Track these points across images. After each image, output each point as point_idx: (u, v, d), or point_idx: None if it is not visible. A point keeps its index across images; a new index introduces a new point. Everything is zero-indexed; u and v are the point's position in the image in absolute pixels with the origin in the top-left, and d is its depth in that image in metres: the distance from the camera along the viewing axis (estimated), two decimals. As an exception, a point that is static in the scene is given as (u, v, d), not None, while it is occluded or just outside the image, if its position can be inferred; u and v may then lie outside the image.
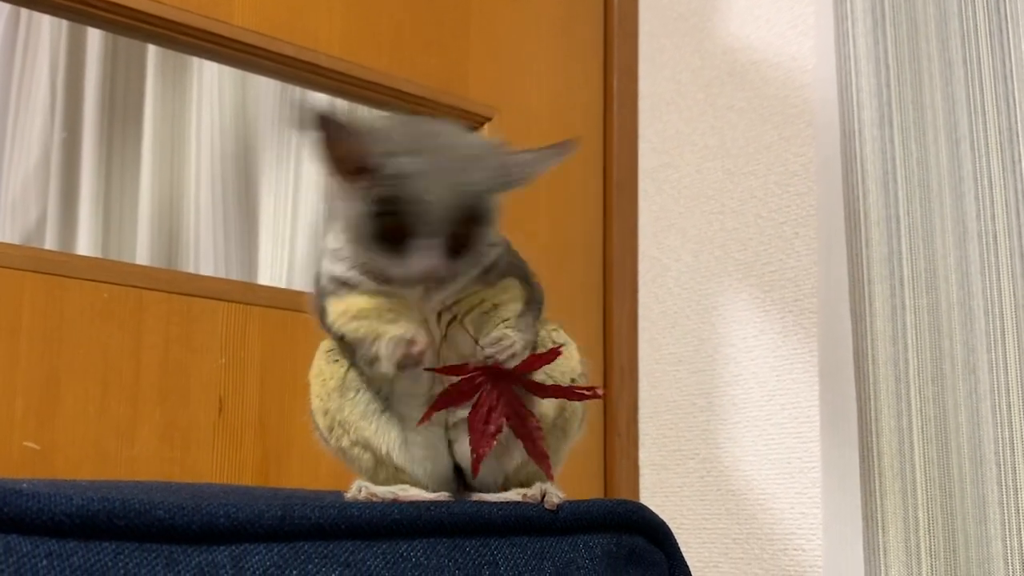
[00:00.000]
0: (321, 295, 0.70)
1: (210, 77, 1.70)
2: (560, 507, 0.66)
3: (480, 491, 0.71)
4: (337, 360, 0.70)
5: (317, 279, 0.71)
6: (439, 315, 0.68)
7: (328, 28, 1.29)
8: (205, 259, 1.64)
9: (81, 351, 1.05)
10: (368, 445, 0.69)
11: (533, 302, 0.71)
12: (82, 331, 1.06)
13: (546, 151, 0.68)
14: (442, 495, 0.69)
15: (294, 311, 1.20)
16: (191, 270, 1.64)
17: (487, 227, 0.66)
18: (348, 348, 0.69)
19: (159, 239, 1.66)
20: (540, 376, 0.69)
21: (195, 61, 1.62)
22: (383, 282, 0.67)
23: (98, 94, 1.70)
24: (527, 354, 0.68)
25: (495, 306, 0.69)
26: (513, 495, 0.68)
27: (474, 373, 0.67)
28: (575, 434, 0.74)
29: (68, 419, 1.04)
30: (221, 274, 1.63)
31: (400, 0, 1.36)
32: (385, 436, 0.69)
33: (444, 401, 0.67)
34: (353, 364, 0.70)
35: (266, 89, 1.69)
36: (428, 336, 0.66)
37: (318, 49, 1.27)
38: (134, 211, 1.68)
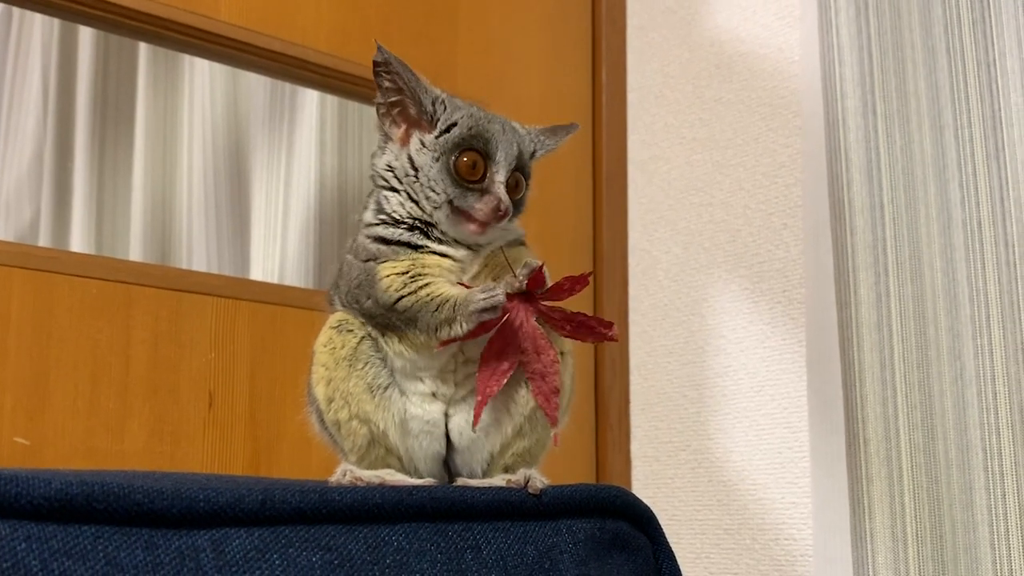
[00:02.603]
0: (366, 263, 0.71)
1: (202, 74, 1.70)
2: (543, 492, 0.66)
3: (465, 477, 0.72)
4: (351, 330, 0.71)
5: (356, 252, 0.73)
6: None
7: (315, 22, 1.29)
8: (198, 255, 1.64)
9: (70, 347, 1.06)
10: (367, 419, 0.69)
11: None
12: (71, 327, 1.06)
13: (556, 129, 0.78)
14: (428, 481, 0.69)
15: (284, 306, 1.21)
16: (184, 266, 1.64)
17: (527, 186, 0.75)
18: (401, 318, 0.68)
19: (152, 236, 1.66)
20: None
21: (186, 58, 1.62)
22: (441, 233, 0.71)
23: (90, 92, 1.70)
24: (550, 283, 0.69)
25: (515, 261, 0.72)
26: (497, 480, 0.69)
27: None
28: (563, 419, 0.74)
29: (58, 414, 1.04)
30: (214, 270, 1.63)
31: (387, -6, 1.37)
32: (385, 412, 0.70)
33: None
34: (367, 335, 0.70)
35: (257, 86, 1.69)
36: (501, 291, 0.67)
37: (306, 44, 1.27)
38: (127, 208, 1.68)
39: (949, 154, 1.06)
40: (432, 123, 0.72)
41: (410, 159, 0.72)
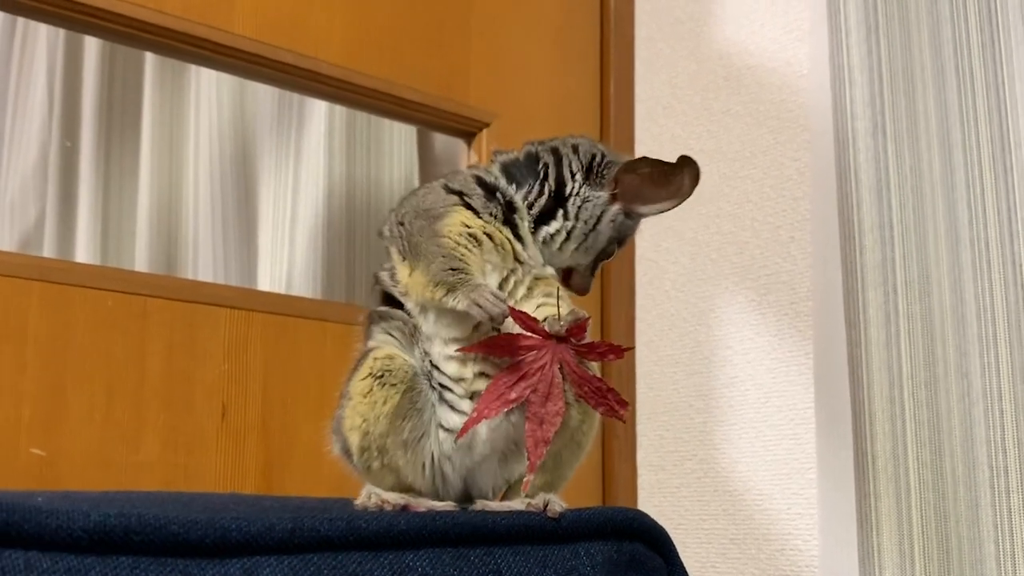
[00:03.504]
0: (449, 194, 0.75)
1: (208, 82, 1.70)
2: (562, 516, 0.67)
3: (483, 499, 0.73)
4: (394, 384, 0.71)
5: (449, 179, 0.76)
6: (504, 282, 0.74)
7: (328, 35, 1.30)
8: (204, 265, 1.65)
9: (86, 358, 1.06)
10: (396, 470, 0.71)
11: None
12: (86, 339, 1.07)
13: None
14: (448, 504, 0.70)
15: (296, 317, 1.21)
16: (190, 275, 1.65)
17: None
18: (429, 243, 0.71)
19: (158, 244, 1.67)
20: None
21: (192, 67, 1.63)
22: (528, 223, 0.76)
23: (96, 100, 1.71)
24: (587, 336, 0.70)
25: (549, 286, 0.75)
26: (516, 504, 0.70)
27: (540, 332, 0.68)
28: (586, 451, 0.76)
29: (73, 426, 1.05)
30: (220, 280, 1.64)
31: (400, 6, 1.37)
32: (415, 465, 0.71)
33: (490, 346, 0.68)
34: (409, 388, 0.71)
35: (264, 94, 1.69)
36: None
37: (318, 56, 1.28)
38: (133, 216, 1.69)
39: (958, 174, 1.07)
40: (633, 217, 0.79)
41: (602, 212, 0.77)
